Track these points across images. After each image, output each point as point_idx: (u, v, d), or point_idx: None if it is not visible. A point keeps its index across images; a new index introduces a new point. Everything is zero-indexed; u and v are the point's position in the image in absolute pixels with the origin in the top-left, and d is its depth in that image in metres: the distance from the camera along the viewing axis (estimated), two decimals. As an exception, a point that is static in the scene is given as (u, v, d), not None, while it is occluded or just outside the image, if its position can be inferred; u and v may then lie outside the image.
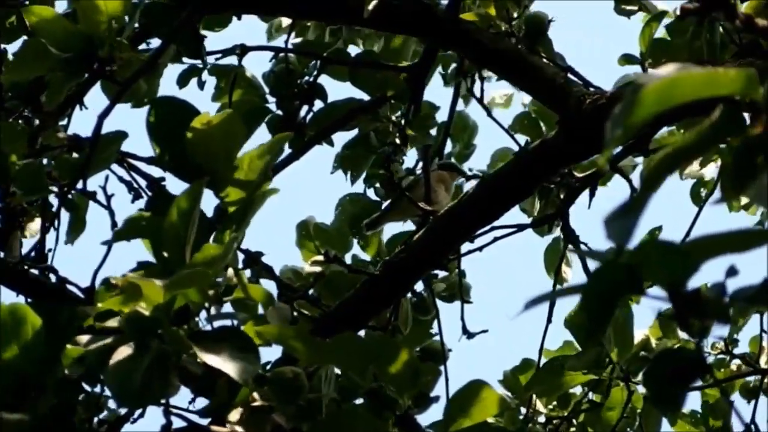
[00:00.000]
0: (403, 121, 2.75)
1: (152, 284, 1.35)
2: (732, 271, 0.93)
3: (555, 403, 2.95)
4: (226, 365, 1.36)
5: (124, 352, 1.36)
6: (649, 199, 0.91)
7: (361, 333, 2.43)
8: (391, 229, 2.88)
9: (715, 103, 0.93)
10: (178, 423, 1.47)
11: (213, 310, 1.45)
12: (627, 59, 2.50)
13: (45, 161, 2.25)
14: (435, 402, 1.58)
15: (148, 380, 1.35)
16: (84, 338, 1.40)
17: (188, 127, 1.56)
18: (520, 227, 2.62)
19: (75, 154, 2.21)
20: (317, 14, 2.41)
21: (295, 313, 2.24)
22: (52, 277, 2.05)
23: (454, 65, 2.87)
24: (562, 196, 2.75)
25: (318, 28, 2.85)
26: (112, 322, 1.40)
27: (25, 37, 2.45)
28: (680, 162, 0.94)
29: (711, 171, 3.08)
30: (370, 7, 2.24)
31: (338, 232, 2.81)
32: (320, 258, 2.53)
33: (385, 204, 2.84)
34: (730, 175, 0.94)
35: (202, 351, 1.36)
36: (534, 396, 2.92)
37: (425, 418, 1.61)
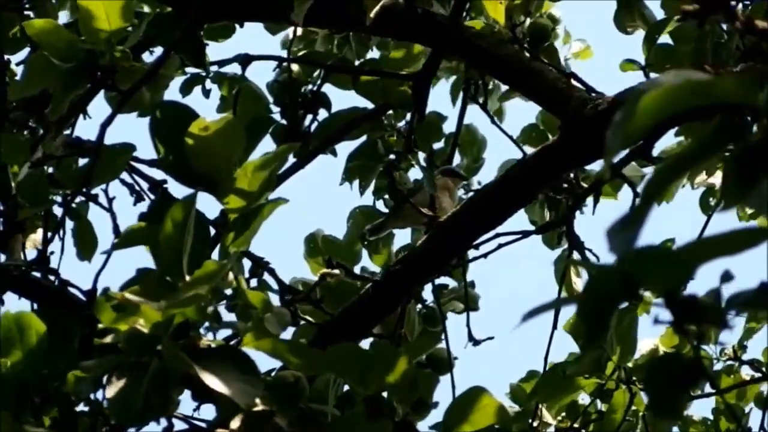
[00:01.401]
0: (407, 129, 2.74)
1: (149, 306, 1.35)
2: (727, 277, 0.93)
3: (564, 414, 2.94)
4: (228, 388, 1.36)
5: (123, 373, 1.36)
6: (650, 210, 0.91)
7: (367, 340, 2.44)
8: (399, 240, 2.89)
9: (718, 107, 0.92)
10: (179, 425, 1.47)
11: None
12: (629, 64, 2.49)
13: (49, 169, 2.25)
14: (434, 408, 1.58)
15: (148, 398, 1.35)
16: (87, 363, 1.40)
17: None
18: (525, 234, 2.62)
19: (79, 159, 2.22)
20: (318, 21, 2.41)
21: (297, 319, 2.24)
22: (54, 279, 2.05)
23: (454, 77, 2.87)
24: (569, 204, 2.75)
25: (326, 41, 2.85)
26: (111, 338, 1.40)
27: (28, 48, 2.46)
28: (681, 171, 0.94)
29: (721, 180, 3.07)
30: (372, 14, 2.24)
31: (347, 244, 2.81)
32: (330, 271, 2.53)
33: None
34: (732, 181, 0.94)
35: (203, 371, 1.36)
36: (542, 406, 2.91)
37: (426, 425, 1.61)
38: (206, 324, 1.44)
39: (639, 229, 0.90)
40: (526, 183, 2.20)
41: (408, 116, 2.74)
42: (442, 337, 2.75)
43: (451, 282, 2.87)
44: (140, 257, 1.53)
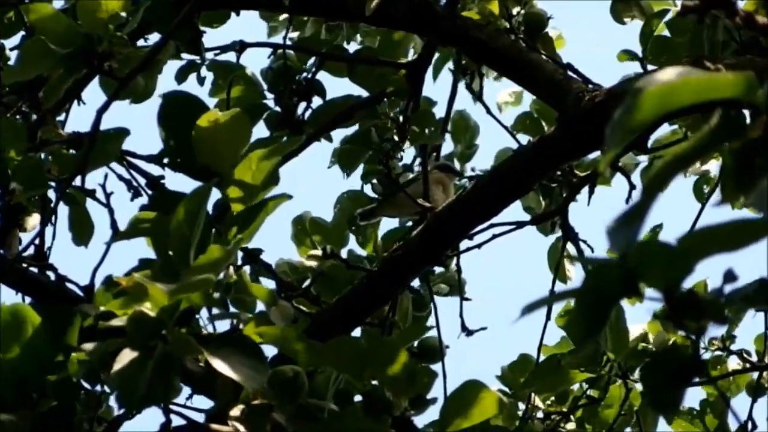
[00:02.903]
0: (401, 118, 2.74)
1: (158, 288, 1.35)
2: (730, 276, 0.92)
3: (553, 398, 2.95)
4: (235, 372, 1.36)
5: (127, 355, 1.36)
6: (651, 207, 0.91)
7: (359, 329, 2.44)
8: (386, 225, 2.89)
9: (716, 101, 0.92)
10: (177, 421, 1.47)
11: (216, 311, 1.45)
12: (626, 55, 2.50)
13: (44, 157, 2.24)
14: (432, 404, 1.57)
15: (151, 383, 1.35)
16: (89, 345, 1.39)
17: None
18: (519, 224, 2.62)
19: (73, 151, 2.21)
20: (316, 11, 2.41)
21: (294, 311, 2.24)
22: (51, 275, 2.05)
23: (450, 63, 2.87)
24: (564, 195, 2.75)
25: (315, 23, 2.84)
26: (116, 321, 1.39)
27: (23, 33, 2.45)
28: (681, 168, 0.94)
29: (715, 167, 3.08)
30: (373, 5, 2.24)
31: (335, 227, 2.81)
32: (317, 252, 2.53)
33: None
34: (731, 177, 0.94)
35: (211, 356, 1.36)
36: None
37: (424, 419, 1.61)
38: (209, 314, 1.44)
39: (640, 225, 0.90)
40: (523, 174, 2.20)
41: (402, 104, 2.74)
42: (434, 326, 2.75)
43: (438, 269, 2.87)
44: (138, 254, 1.53)
